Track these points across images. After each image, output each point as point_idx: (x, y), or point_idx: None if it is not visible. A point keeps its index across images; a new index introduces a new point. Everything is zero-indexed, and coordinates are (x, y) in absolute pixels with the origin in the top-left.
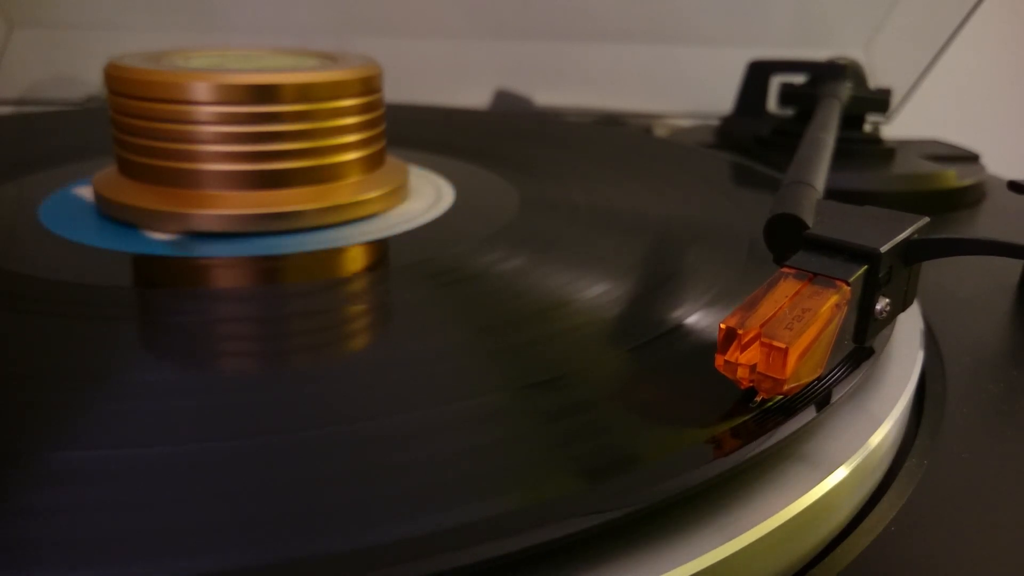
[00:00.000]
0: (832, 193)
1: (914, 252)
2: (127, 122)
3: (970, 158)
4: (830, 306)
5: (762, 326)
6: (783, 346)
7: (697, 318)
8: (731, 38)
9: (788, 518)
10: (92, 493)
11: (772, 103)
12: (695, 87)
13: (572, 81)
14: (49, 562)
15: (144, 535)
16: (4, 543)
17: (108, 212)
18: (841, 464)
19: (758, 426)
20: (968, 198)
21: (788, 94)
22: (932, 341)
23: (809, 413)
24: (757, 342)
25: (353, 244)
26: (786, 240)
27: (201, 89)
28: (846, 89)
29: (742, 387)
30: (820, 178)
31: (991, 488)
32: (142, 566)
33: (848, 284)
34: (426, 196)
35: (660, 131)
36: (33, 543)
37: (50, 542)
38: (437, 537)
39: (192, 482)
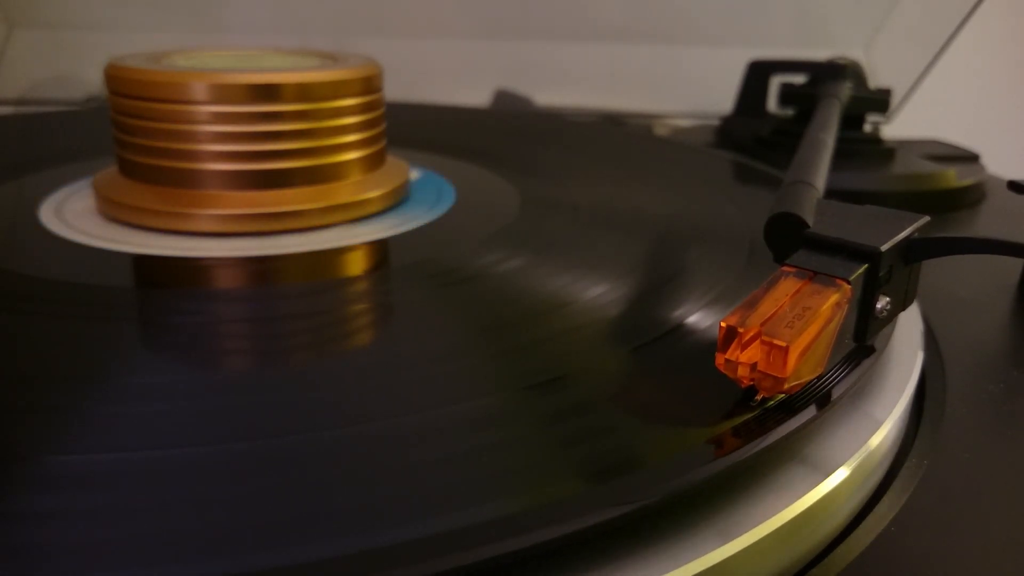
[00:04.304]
0: (832, 193)
1: (915, 251)
2: (127, 122)
3: (970, 158)
4: (830, 305)
5: (763, 324)
6: (784, 344)
7: (698, 318)
8: (731, 38)
9: (788, 519)
10: (93, 495)
11: (772, 103)
12: (695, 87)
13: (572, 81)
14: (51, 566)
15: (145, 538)
16: (5, 546)
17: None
18: (841, 465)
19: (759, 425)
20: (968, 198)
21: (788, 94)
22: (932, 341)
23: (810, 412)
24: (758, 340)
25: (353, 244)
26: (786, 239)
27: (201, 89)
28: (846, 89)
29: (743, 386)
30: (820, 178)
31: (991, 488)
32: (144, 570)
33: (848, 283)
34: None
35: (660, 131)
36: (34, 547)
37: (51, 546)
38: (438, 539)
39: (193, 484)
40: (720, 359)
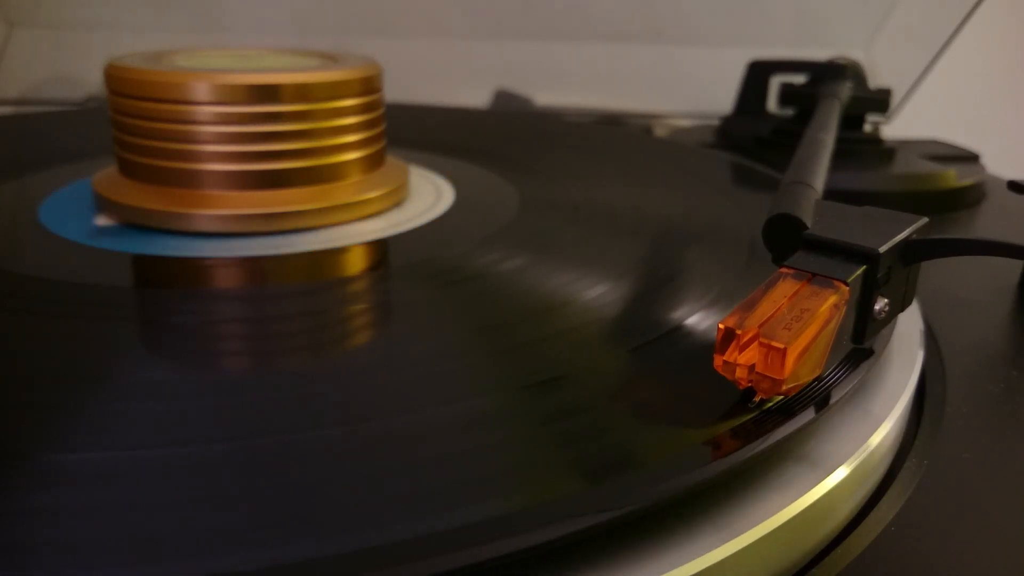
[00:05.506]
0: (832, 193)
1: (913, 252)
2: (127, 122)
3: (970, 158)
4: (829, 306)
5: (761, 326)
6: (781, 346)
7: (697, 319)
8: (731, 38)
9: (788, 518)
10: (92, 494)
11: (772, 103)
12: (695, 87)
13: (572, 81)
14: (49, 564)
15: (145, 537)
16: (3, 544)
17: (108, 212)
18: (841, 464)
19: (757, 427)
20: (968, 198)
21: (788, 94)
22: (932, 341)
23: (808, 414)
24: (756, 342)
25: (353, 244)
26: (785, 240)
27: (201, 89)
28: (846, 89)
29: (741, 387)
30: (819, 178)
31: (991, 488)
32: (143, 568)
33: (847, 284)
34: (426, 196)
35: (660, 131)
36: (32, 545)
37: (50, 544)
38: (435, 538)
39: (193, 483)
40: (718, 360)
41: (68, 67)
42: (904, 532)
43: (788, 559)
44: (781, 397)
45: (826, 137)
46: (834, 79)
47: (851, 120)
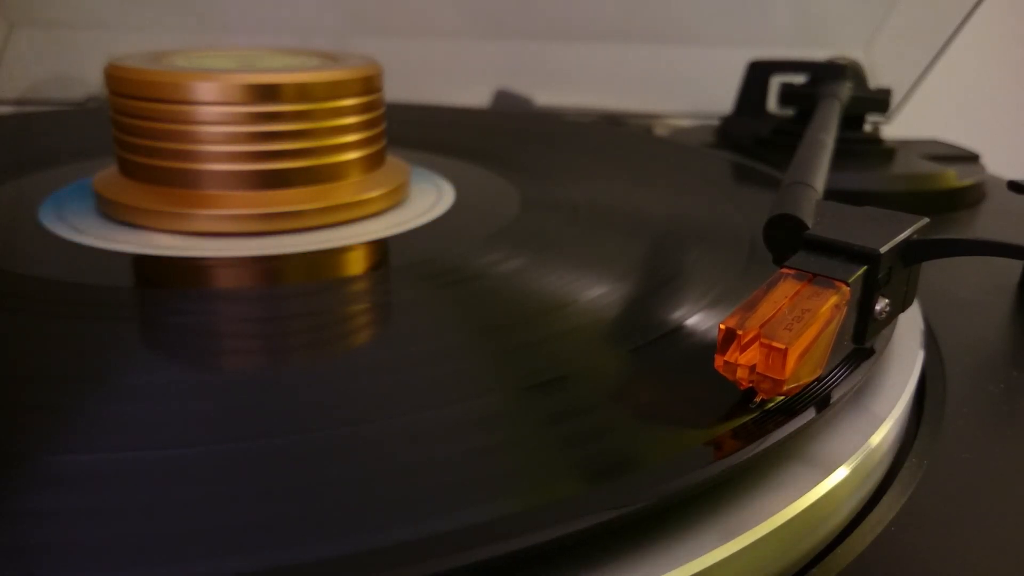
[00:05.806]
0: (832, 193)
1: (913, 253)
2: (127, 122)
3: (970, 158)
4: (829, 307)
5: (761, 327)
6: (782, 347)
7: (698, 319)
8: (731, 38)
9: (789, 518)
10: (92, 494)
11: (772, 103)
12: (695, 87)
13: (572, 81)
14: (49, 565)
15: (144, 538)
16: (3, 545)
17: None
18: (842, 464)
19: (758, 427)
20: (968, 198)
21: (788, 94)
22: (932, 341)
23: (809, 414)
24: (757, 343)
25: (353, 244)
26: (786, 241)
27: (202, 89)
28: (846, 89)
29: (742, 388)
30: (820, 179)
31: (991, 488)
32: (143, 569)
33: (847, 285)
34: (426, 196)
35: (660, 131)
36: (32, 546)
37: (50, 546)
38: (438, 539)
39: (193, 484)
40: (719, 361)
41: (68, 67)
42: (904, 532)
43: (788, 559)
44: (782, 397)
45: (826, 137)
46: (834, 79)
47: (851, 120)
